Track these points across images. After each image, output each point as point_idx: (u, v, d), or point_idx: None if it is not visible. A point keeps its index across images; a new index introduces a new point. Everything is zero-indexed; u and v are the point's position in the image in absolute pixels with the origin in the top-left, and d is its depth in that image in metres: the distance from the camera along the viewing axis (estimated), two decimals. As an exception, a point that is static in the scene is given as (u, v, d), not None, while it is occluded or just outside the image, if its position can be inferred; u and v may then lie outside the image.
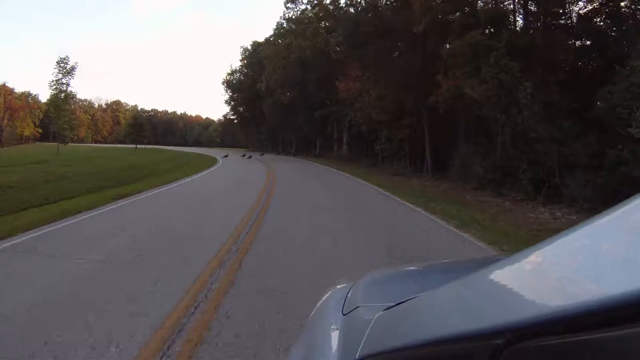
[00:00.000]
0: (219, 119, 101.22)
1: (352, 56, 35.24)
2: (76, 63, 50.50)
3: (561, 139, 17.15)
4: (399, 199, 16.95)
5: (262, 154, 60.34)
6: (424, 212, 13.75)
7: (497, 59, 19.11)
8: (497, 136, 22.64)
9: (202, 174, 28.54)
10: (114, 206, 12.81)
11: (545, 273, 0.72)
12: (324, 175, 30.15)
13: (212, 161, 42.90)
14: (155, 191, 17.23)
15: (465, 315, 0.85)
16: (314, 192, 19.78)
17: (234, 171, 31.83)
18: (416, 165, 32.61)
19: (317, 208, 14.22)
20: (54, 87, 49.75)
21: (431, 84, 26.05)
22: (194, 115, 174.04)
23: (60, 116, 51.79)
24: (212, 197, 17.01)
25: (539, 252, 0.76)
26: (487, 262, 1.49)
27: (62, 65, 49.32)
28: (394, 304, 1.31)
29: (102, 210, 11.87)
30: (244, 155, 54.90)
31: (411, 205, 15.22)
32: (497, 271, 0.86)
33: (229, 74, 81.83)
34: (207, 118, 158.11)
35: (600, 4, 22.23)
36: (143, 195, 15.62)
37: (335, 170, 33.62)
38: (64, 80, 49.56)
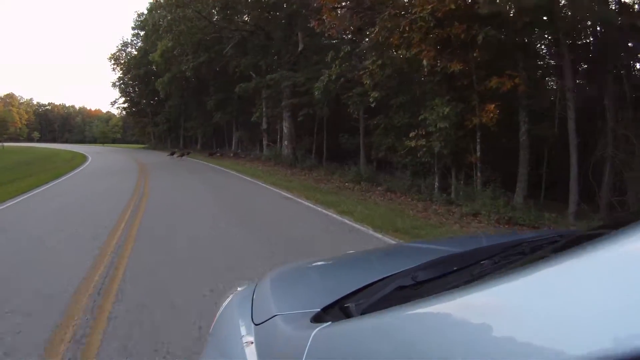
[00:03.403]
0: (120, 113, 72.97)
1: None
2: None
3: None
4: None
5: (184, 154, 33.55)
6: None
7: None
8: None
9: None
10: None
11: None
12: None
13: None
14: None
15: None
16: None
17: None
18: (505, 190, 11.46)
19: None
20: None
21: None
22: (93, 109, 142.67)
23: None
24: None
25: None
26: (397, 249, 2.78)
27: None
28: (318, 309, 1.12)
29: None
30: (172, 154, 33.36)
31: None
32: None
33: (119, 49, 54.73)
34: (107, 112, 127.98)
35: None
36: None
37: (313, 206, 10.63)
38: None
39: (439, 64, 10.70)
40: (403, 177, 15.54)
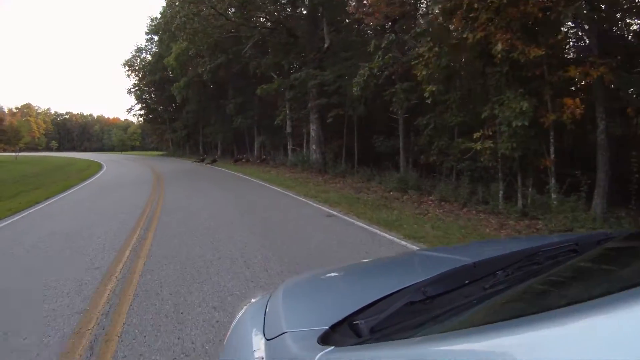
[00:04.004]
0: (138, 120, 71.98)
1: None
2: None
3: None
4: None
5: (214, 161, 33.61)
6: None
7: None
8: None
9: None
10: None
11: None
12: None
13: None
14: None
15: None
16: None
17: None
18: None
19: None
20: None
21: None
22: (111, 117, 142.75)
23: None
24: None
25: None
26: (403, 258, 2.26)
27: None
28: (327, 327, 1.11)
29: None
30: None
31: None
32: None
33: (133, 55, 52.78)
34: (125, 120, 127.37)
35: None
36: None
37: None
38: None
39: (514, 50, 8.71)
40: (450, 183, 13.69)
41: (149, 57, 49.41)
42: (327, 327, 1.10)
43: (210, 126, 40.80)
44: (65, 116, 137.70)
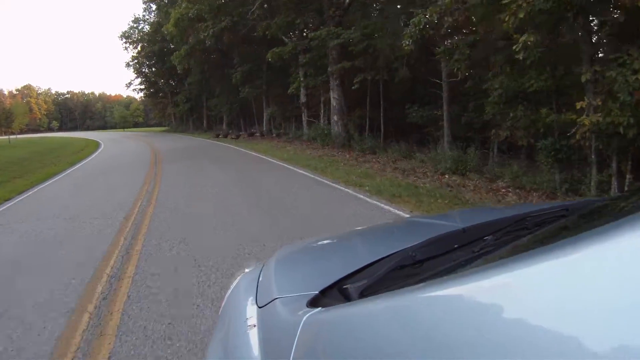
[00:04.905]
0: (140, 96, 69.30)
1: None
2: None
3: None
4: None
5: (239, 136, 30.60)
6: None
7: None
8: None
9: None
10: None
11: None
12: None
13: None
14: None
15: None
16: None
17: None
18: None
19: None
20: None
21: None
22: (113, 94, 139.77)
23: None
24: None
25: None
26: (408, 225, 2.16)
27: None
28: (317, 291, 1.12)
29: None
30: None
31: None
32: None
33: (131, 27, 48.56)
34: (128, 96, 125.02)
35: None
36: None
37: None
38: None
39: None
40: (504, 163, 11.26)
41: (147, 28, 46.25)
42: (316, 292, 1.10)
43: (214, 98, 38.02)
44: (67, 95, 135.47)
